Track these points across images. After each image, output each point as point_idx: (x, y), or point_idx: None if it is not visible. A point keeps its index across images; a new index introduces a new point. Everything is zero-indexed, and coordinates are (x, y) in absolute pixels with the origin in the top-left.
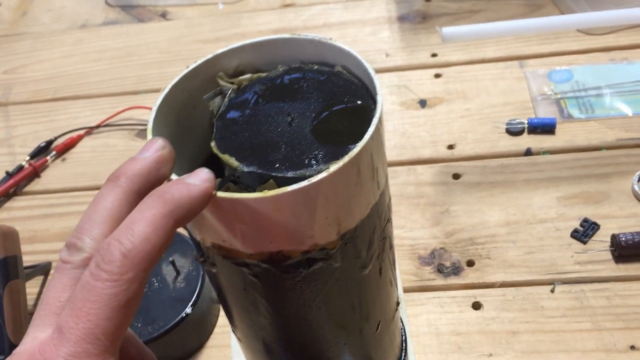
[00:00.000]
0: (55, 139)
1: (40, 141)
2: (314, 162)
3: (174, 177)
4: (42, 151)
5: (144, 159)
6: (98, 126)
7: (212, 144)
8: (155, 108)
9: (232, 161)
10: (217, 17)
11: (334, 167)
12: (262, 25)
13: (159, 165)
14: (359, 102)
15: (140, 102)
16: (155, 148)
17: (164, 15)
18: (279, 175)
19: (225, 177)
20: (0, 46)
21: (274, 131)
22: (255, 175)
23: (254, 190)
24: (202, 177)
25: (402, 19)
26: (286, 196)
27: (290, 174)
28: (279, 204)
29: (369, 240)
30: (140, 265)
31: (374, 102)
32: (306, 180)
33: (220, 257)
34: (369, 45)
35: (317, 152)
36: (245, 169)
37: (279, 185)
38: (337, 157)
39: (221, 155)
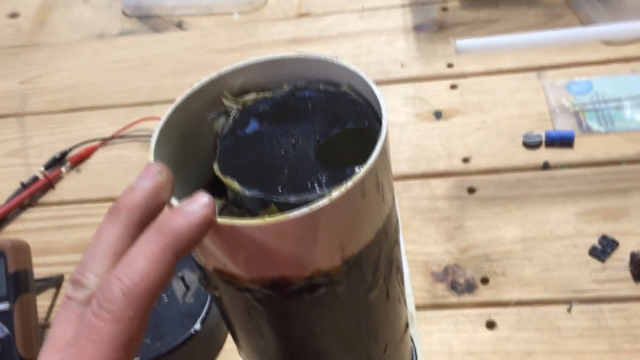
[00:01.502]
0: (70, 149)
1: (55, 152)
2: (317, 186)
3: (174, 201)
4: (56, 162)
5: (141, 188)
6: (112, 137)
7: (215, 166)
8: (158, 129)
9: (235, 185)
10: (232, 27)
11: (336, 192)
12: (277, 35)
13: (157, 192)
14: (364, 124)
15: (155, 113)
16: (152, 174)
17: (179, 25)
18: (280, 200)
19: (227, 201)
20: (18, 56)
21: (277, 153)
22: (257, 199)
23: (256, 214)
24: (200, 203)
25: (418, 28)
26: (287, 223)
27: (292, 199)
28: (279, 231)
29: (374, 264)
30: (141, 303)
31: (380, 123)
32: (307, 207)
33: (222, 282)
34: (384, 55)
35: (320, 175)
36: (248, 193)
37: (281, 210)
38: (340, 181)
39: (223, 178)
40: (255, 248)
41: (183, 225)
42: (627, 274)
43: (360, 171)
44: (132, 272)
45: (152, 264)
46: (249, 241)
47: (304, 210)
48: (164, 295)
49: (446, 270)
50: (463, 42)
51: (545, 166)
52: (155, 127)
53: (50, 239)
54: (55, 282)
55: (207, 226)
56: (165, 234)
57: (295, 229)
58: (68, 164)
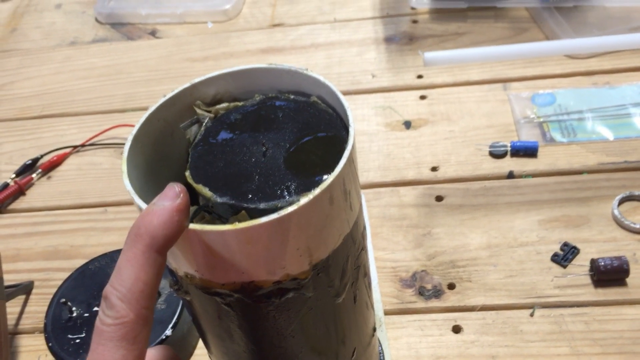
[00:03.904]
0: (42, 156)
1: (27, 159)
2: (286, 193)
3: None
4: (27, 169)
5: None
6: (84, 144)
7: (187, 173)
8: (131, 137)
9: (206, 191)
10: (206, 35)
11: (304, 199)
12: (250, 45)
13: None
14: (332, 132)
15: (127, 120)
16: (173, 196)
17: (153, 34)
18: (251, 206)
19: (198, 207)
20: None
21: (248, 161)
22: (228, 206)
23: (227, 220)
24: (170, 196)
25: (388, 40)
26: (256, 228)
27: (262, 206)
28: (249, 236)
29: (342, 269)
30: (139, 304)
31: (348, 132)
32: (276, 213)
33: (193, 287)
34: (356, 66)
35: (289, 183)
36: (219, 200)
37: (251, 216)
38: (309, 189)
39: (195, 185)
40: (226, 253)
41: (156, 224)
42: (588, 279)
43: (328, 178)
44: (123, 279)
45: (137, 268)
46: (220, 247)
47: (273, 216)
48: None
49: (414, 276)
50: (431, 54)
51: (510, 175)
52: (128, 134)
53: (20, 245)
54: (25, 288)
55: (182, 215)
56: (142, 237)
57: (265, 234)
58: (39, 170)
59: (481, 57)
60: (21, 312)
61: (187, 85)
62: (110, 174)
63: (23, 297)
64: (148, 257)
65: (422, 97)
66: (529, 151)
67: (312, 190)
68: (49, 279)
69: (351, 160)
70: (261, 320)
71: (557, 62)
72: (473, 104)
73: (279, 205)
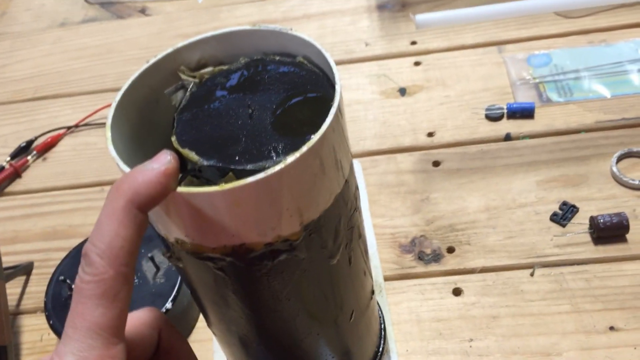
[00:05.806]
0: (36, 138)
1: (21, 141)
2: (273, 154)
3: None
4: (22, 151)
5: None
6: (78, 125)
7: (173, 138)
8: (114, 105)
9: (192, 155)
10: (196, 11)
11: (291, 158)
12: (241, 18)
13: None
14: (319, 92)
15: None
16: (163, 161)
17: (143, 11)
18: (238, 168)
19: (186, 172)
20: None
21: (234, 124)
22: (215, 168)
23: (215, 184)
24: (161, 160)
25: (381, 7)
26: (243, 189)
27: (249, 167)
28: (236, 197)
29: (334, 230)
30: (118, 261)
31: (335, 91)
32: (263, 172)
33: (184, 252)
34: (349, 35)
35: (277, 144)
36: (205, 163)
37: (239, 178)
38: (296, 148)
39: (181, 150)
40: (214, 216)
41: (140, 182)
42: (587, 237)
43: (315, 137)
44: (102, 234)
45: (117, 223)
46: (208, 209)
47: (259, 175)
48: (135, 276)
49: (413, 241)
50: (422, 16)
51: (507, 137)
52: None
53: (18, 227)
54: (25, 269)
55: (168, 179)
56: (124, 192)
57: (253, 194)
58: (34, 152)
59: (473, 17)
60: (22, 293)
61: (170, 50)
62: (105, 153)
63: (24, 278)
64: (128, 212)
65: (417, 64)
66: (525, 112)
67: (300, 149)
68: (49, 259)
69: (338, 119)
70: (255, 284)
71: (552, 22)
72: (468, 68)
73: (267, 165)
